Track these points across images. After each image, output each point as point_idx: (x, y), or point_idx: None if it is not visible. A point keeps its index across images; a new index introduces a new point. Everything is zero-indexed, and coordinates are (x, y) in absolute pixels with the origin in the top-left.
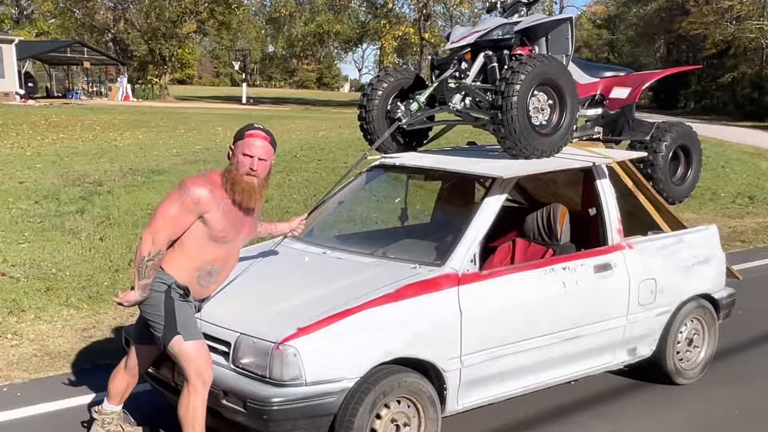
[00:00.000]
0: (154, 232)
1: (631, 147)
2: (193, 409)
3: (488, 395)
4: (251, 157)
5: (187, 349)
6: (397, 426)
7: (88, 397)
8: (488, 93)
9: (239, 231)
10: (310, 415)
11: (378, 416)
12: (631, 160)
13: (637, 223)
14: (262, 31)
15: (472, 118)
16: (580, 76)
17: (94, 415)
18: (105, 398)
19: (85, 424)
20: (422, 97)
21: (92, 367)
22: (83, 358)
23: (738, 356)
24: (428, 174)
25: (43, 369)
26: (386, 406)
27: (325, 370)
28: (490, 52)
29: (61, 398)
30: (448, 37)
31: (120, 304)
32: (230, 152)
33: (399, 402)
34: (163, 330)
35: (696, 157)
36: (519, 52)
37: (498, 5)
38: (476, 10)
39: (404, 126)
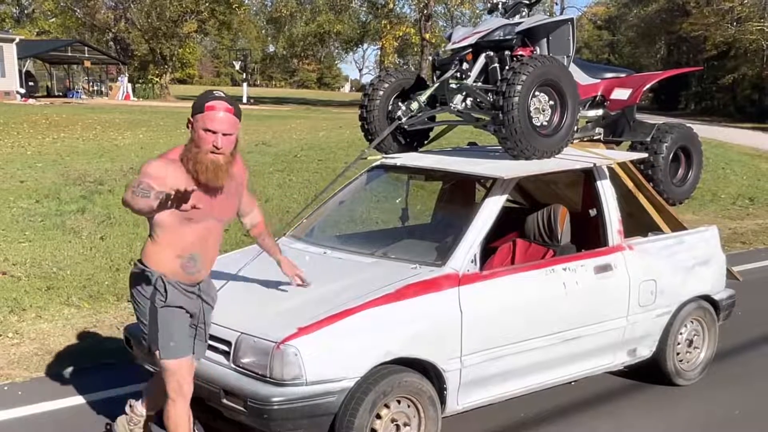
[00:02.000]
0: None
1: (632, 148)
2: (174, 420)
3: (488, 395)
4: (214, 132)
5: (168, 362)
6: (397, 426)
7: (89, 396)
8: (489, 93)
9: (210, 209)
10: (310, 414)
11: (378, 416)
12: (631, 161)
13: (637, 224)
14: (263, 31)
15: (473, 119)
16: (581, 77)
17: (126, 408)
18: (141, 399)
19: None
20: (423, 98)
21: (93, 366)
22: (84, 357)
23: (738, 357)
24: (429, 174)
25: (43, 368)
26: (386, 405)
27: (326, 369)
28: (492, 53)
29: (62, 397)
30: (449, 38)
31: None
32: (189, 126)
33: (399, 402)
34: (148, 338)
35: (696, 159)
36: (520, 52)
37: (499, 6)
38: (477, 11)
39: (405, 126)
